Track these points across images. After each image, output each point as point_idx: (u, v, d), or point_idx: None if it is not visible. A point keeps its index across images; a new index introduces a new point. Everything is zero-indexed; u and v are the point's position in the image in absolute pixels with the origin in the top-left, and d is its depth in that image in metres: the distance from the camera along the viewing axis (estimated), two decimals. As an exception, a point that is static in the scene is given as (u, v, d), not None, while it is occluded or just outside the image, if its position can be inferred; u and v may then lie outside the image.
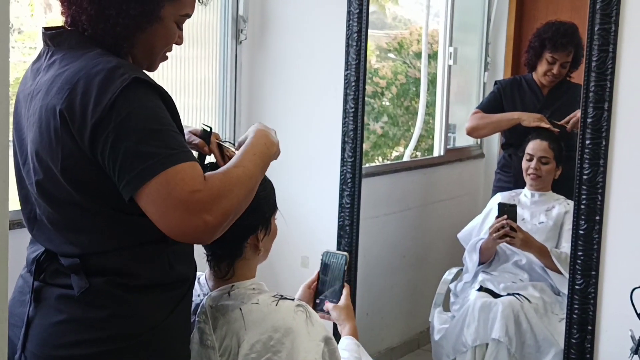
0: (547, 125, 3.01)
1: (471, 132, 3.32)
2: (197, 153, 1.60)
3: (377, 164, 3.50)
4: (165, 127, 1.34)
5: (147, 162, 1.30)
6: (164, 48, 1.53)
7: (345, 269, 1.86)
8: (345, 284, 1.86)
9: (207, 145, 1.62)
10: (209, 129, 1.63)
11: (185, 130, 1.62)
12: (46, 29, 1.48)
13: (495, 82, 3.31)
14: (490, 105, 3.24)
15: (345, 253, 1.88)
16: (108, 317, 1.40)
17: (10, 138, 1.17)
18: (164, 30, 1.48)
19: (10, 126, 1.16)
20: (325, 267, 1.89)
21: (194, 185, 1.31)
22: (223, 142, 1.66)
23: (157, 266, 1.44)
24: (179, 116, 1.44)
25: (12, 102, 1.52)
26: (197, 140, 1.62)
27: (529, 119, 3.07)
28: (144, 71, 1.46)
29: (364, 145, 2.96)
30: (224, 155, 1.63)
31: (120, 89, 1.32)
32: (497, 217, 2.94)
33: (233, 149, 1.60)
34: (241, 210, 1.42)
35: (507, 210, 2.91)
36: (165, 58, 1.56)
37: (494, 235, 2.92)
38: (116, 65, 1.36)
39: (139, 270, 1.43)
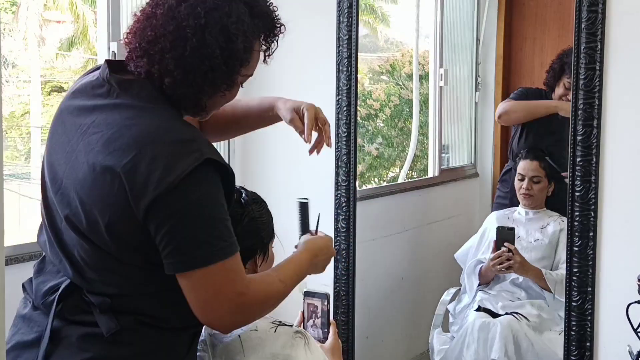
0: None
1: (502, 116, 3.22)
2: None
3: (373, 185, 3.51)
4: (222, 216, 1.38)
5: (201, 250, 1.34)
6: (224, 105, 1.57)
7: (328, 308, 1.87)
8: (332, 321, 1.86)
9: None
10: (306, 201, 1.83)
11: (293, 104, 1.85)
12: (110, 67, 1.46)
13: (519, 88, 3.27)
14: (523, 98, 3.19)
15: (326, 292, 1.89)
16: (135, 355, 1.41)
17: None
18: (234, 92, 1.52)
19: (4, 159, 1.16)
20: (309, 307, 1.90)
21: (242, 287, 1.39)
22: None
23: (183, 310, 1.43)
24: (233, 192, 1.49)
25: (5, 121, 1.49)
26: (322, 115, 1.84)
27: (566, 109, 2.98)
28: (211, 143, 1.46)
29: (360, 167, 2.98)
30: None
31: (191, 168, 1.32)
32: (496, 241, 2.95)
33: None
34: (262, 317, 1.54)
35: (506, 234, 2.93)
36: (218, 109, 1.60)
37: (497, 266, 2.93)
38: (190, 138, 1.37)
39: (168, 314, 1.44)
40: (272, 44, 1.55)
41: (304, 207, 1.83)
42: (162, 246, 1.34)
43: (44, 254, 1.51)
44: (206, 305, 1.38)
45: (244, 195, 1.68)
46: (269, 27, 1.52)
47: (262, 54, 1.54)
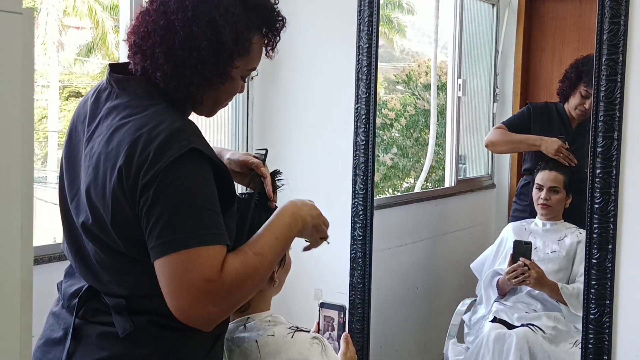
0: (563, 161, 3.00)
1: (489, 146, 3.28)
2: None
3: (388, 195, 3.51)
4: (205, 205, 1.34)
5: (175, 235, 1.31)
6: (228, 100, 1.55)
7: (344, 320, 1.85)
8: (345, 333, 1.85)
9: (263, 166, 1.66)
10: (263, 151, 1.68)
11: (241, 154, 1.66)
12: (112, 67, 1.48)
13: (527, 103, 3.29)
14: (517, 123, 3.20)
15: (342, 304, 1.86)
16: (150, 355, 1.41)
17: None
18: (232, 86, 1.50)
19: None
20: (325, 318, 1.89)
21: (210, 274, 1.31)
22: (278, 173, 1.71)
23: None
24: (232, 187, 1.46)
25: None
26: (254, 160, 1.66)
27: (548, 148, 3.04)
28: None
29: (374, 177, 2.98)
30: (275, 187, 1.68)
31: (175, 156, 1.32)
32: (512, 254, 2.94)
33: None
34: (249, 299, 1.44)
35: (523, 248, 2.92)
36: (225, 105, 1.58)
37: (513, 280, 2.92)
38: (180, 128, 1.36)
39: None
40: (275, 38, 1.53)
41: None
42: (145, 232, 1.34)
43: None
44: (173, 293, 1.32)
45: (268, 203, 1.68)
46: (267, 20, 1.50)
47: (264, 48, 1.53)
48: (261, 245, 1.43)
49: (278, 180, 1.70)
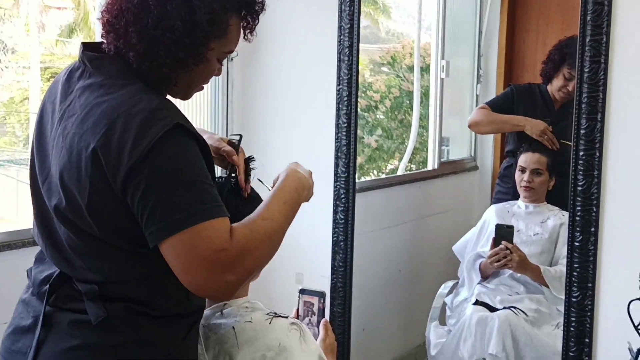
0: (547, 144, 2.99)
1: (473, 126, 3.27)
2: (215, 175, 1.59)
3: (372, 178, 3.49)
4: (200, 179, 1.32)
5: (177, 215, 1.28)
6: (203, 83, 1.52)
7: (324, 307, 1.84)
8: (324, 319, 1.84)
9: (236, 154, 1.63)
10: (237, 137, 1.65)
11: (215, 139, 1.62)
12: (85, 46, 1.45)
13: (509, 84, 3.28)
14: (500, 104, 3.18)
15: (322, 290, 1.85)
16: (124, 343, 1.38)
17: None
18: (207, 68, 1.47)
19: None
20: (305, 304, 1.87)
21: (220, 244, 1.29)
22: (252, 160, 1.67)
23: (174, 297, 1.42)
24: (213, 163, 1.43)
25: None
26: (227, 147, 1.63)
27: (533, 129, 3.02)
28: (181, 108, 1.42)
29: (359, 159, 2.95)
30: (248, 174, 1.64)
31: (160, 134, 1.29)
32: (494, 238, 2.93)
33: (269, 187, 1.59)
34: (264, 265, 1.41)
35: (505, 232, 2.91)
36: (201, 89, 1.54)
37: (495, 264, 2.91)
38: (158, 106, 1.33)
39: (158, 301, 1.41)
40: (253, 21, 1.50)
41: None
42: (139, 217, 1.31)
43: None
44: (187, 271, 1.30)
45: (253, 193, 1.65)
46: (245, 2, 1.47)
47: (242, 31, 1.50)
48: (269, 210, 1.42)
49: (252, 168, 1.67)
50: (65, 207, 1.36)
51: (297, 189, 1.52)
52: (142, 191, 1.29)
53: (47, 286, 1.43)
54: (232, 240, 1.31)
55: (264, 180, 1.69)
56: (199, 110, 3.11)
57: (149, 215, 1.29)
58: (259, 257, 1.37)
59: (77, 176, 1.33)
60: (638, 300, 1.85)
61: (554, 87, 3.07)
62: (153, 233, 1.30)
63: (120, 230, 1.35)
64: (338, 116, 2.90)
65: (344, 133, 2.89)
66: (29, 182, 1.49)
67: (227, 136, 1.76)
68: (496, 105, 3.19)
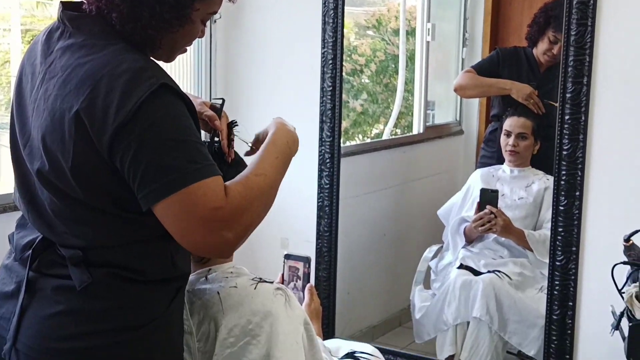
0: (533, 108, 2.98)
1: (458, 89, 3.25)
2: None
3: (357, 142, 3.47)
4: (190, 139, 1.30)
5: (170, 176, 1.27)
6: (187, 45, 1.49)
7: (309, 271, 1.84)
8: (309, 284, 1.84)
9: (218, 120, 1.61)
10: (220, 102, 1.62)
11: (198, 102, 1.59)
12: (64, 5, 1.41)
13: (495, 48, 3.25)
14: (486, 68, 3.16)
15: (307, 255, 1.85)
16: (109, 308, 1.37)
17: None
18: (192, 30, 1.44)
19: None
20: (290, 269, 1.87)
21: (215, 202, 1.28)
22: (234, 124, 1.65)
23: (160, 262, 1.41)
24: (199, 125, 1.41)
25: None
26: (209, 112, 1.60)
27: (519, 93, 3.00)
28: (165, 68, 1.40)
29: (344, 123, 2.93)
30: (231, 139, 1.62)
31: (147, 94, 1.26)
32: (479, 202, 2.93)
33: (248, 143, 1.57)
34: (261, 221, 1.40)
35: (489, 196, 2.91)
36: (185, 51, 1.51)
37: (479, 228, 2.92)
38: (143, 66, 1.31)
39: (143, 266, 1.39)
40: None
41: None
42: (130, 180, 1.29)
43: None
44: (185, 231, 1.30)
45: (237, 157, 1.63)
46: None
47: None
48: (261, 166, 1.41)
49: (235, 134, 1.65)
50: (48, 171, 1.34)
51: (289, 143, 1.52)
52: (133, 153, 1.27)
53: (30, 252, 1.41)
54: (227, 197, 1.30)
55: (245, 139, 1.67)
56: (182, 73, 3.07)
57: (141, 178, 1.28)
58: (255, 212, 1.36)
59: (60, 139, 1.31)
60: (622, 264, 1.86)
61: (539, 50, 3.05)
62: (146, 196, 1.28)
63: (105, 193, 1.33)
64: (323, 80, 2.87)
65: (329, 97, 2.87)
66: (10, 147, 1.46)
67: (209, 100, 1.72)
68: (482, 69, 3.17)
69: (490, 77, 3.14)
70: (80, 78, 1.30)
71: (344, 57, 2.90)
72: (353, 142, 3.41)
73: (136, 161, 1.27)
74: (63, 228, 1.38)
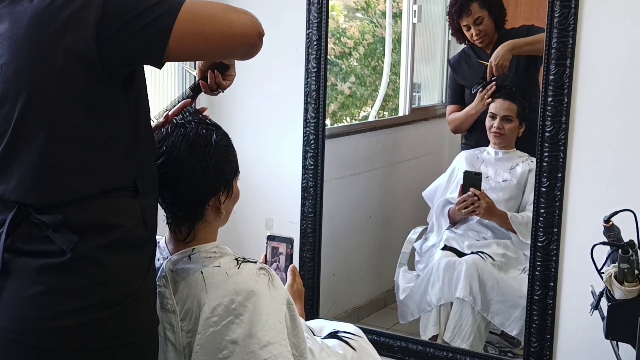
0: (490, 90, 2.99)
1: (455, 132, 3.24)
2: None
3: (345, 124, 3.48)
4: None
5: (164, 6, 1.31)
6: None
7: (292, 253, 1.85)
8: (292, 265, 1.85)
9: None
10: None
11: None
12: None
13: (448, 61, 3.28)
14: (454, 93, 3.20)
15: (290, 237, 1.87)
16: (89, 285, 1.35)
17: None
18: None
19: None
20: (272, 250, 1.88)
21: None
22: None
23: (132, 218, 1.39)
24: None
25: None
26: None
27: (476, 107, 3.04)
28: None
29: (332, 106, 2.93)
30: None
31: None
32: (463, 185, 2.95)
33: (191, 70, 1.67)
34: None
35: (473, 179, 2.93)
36: None
37: (462, 210, 2.93)
38: None
39: (116, 220, 1.37)
40: None
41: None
42: (133, 47, 1.32)
43: None
44: (221, 29, 1.39)
45: (215, 136, 1.62)
46: None
47: None
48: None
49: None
50: (38, 99, 1.32)
51: None
52: (118, 26, 1.29)
53: (2, 230, 1.36)
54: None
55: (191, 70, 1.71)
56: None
57: (138, 29, 1.30)
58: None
59: (36, 56, 1.31)
60: (602, 245, 1.88)
61: (472, 39, 3.06)
62: (156, 34, 1.31)
63: (80, 104, 1.33)
64: (308, 61, 2.87)
65: (314, 78, 2.86)
66: None
67: (191, 83, 1.74)
68: (453, 98, 3.20)
69: (460, 98, 3.16)
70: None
71: (333, 40, 2.89)
72: (341, 124, 3.41)
73: (131, 30, 1.30)
74: (33, 180, 1.34)
